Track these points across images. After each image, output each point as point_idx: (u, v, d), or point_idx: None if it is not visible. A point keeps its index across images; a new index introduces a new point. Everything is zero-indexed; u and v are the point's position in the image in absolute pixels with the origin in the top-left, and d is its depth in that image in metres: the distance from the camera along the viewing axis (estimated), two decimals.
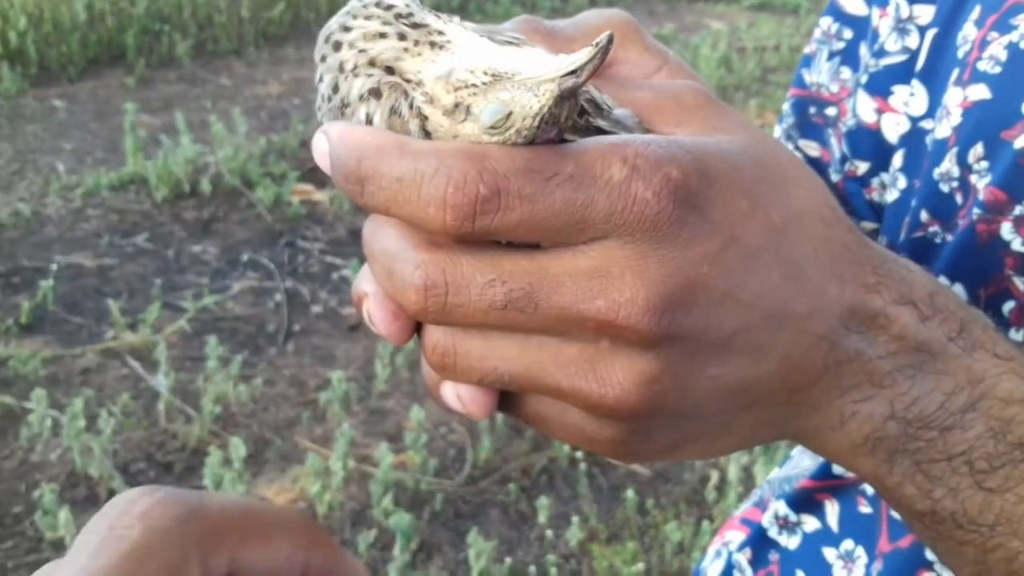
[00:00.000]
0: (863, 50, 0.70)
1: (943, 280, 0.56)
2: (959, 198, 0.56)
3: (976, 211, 0.54)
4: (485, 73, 0.33)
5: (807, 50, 0.75)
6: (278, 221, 3.82)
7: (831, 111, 0.73)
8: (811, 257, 0.37)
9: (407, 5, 0.36)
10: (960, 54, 0.59)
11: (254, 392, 2.82)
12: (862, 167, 0.70)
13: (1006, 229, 0.53)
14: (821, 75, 0.73)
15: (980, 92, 0.55)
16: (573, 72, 0.31)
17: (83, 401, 2.59)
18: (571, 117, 0.33)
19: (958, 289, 0.56)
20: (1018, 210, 0.53)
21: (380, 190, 0.34)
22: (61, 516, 2.25)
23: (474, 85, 0.33)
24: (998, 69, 0.55)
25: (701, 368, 0.36)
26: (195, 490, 0.30)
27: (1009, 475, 0.39)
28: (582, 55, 0.31)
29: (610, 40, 0.31)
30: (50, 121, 4.75)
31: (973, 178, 0.55)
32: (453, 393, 0.39)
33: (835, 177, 0.73)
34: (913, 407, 0.39)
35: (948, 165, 0.57)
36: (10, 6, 5.27)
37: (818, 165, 0.75)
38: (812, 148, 0.75)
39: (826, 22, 0.73)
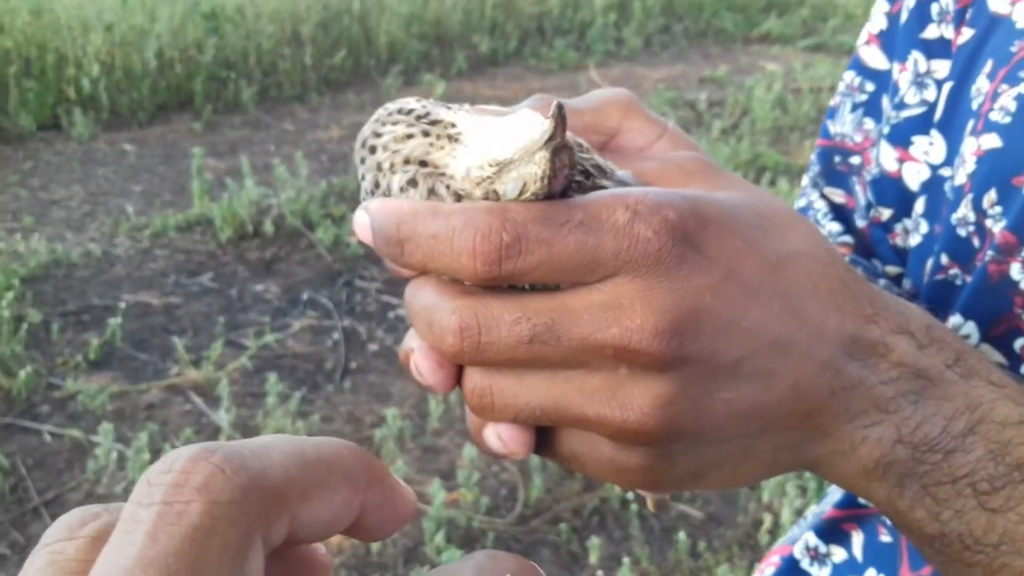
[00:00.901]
0: (885, 102, 0.74)
1: (958, 319, 0.60)
2: (976, 242, 0.60)
3: (990, 253, 0.58)
4: (491, 165, 0.39)
5: (832, 102, 0.80)
6: (337, 261, 3.92)
7: (855, 160, 0.77)
8: (809, 291, 0.41)
9: (423, 106, 0.42)
10: (974, 105, 0.62)
11: (311, 428, 2.88)
12: (886, 213, 0.73)
13: (1015, 270, 0.56)
14: (845, 126, 0.77)
15: (992, 141, 0.59)
16: (551, 137, 0.36)
17: (148, 435, 2.67)
18: (571, 165, 0.38)
19: (971, 327, 0.59)
20: None
21: (418, 248, 0.39)
22: None
23: (488, 177, 0.39)
24: (1008, 119, 0.58)
25: (714, 391, 0.39)
26: (251, 444, 0.27)
27: (1010, 495, 0.42)
28: (548, 122, 0.37)
29: (560, 107, 0.36)
30: (121, 164, 4.94)
31: (988, 222, 0.58)
32: (494, 435, 0.42)
33: (861, 223, 0.77)
34: (918, 431, 0.41)
35: (965, 211, 0.60)
36: (83, 54, 5.51)
37: (843, 211, 0.78)
38: (838, 195, 0.79)
39: (849, 75, 0.77)
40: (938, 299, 0.63)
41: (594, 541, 2.48)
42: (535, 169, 0.37)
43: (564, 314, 0.38)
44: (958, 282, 0.61)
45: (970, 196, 0.60)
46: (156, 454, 2.65)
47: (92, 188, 4.62)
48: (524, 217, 0.38)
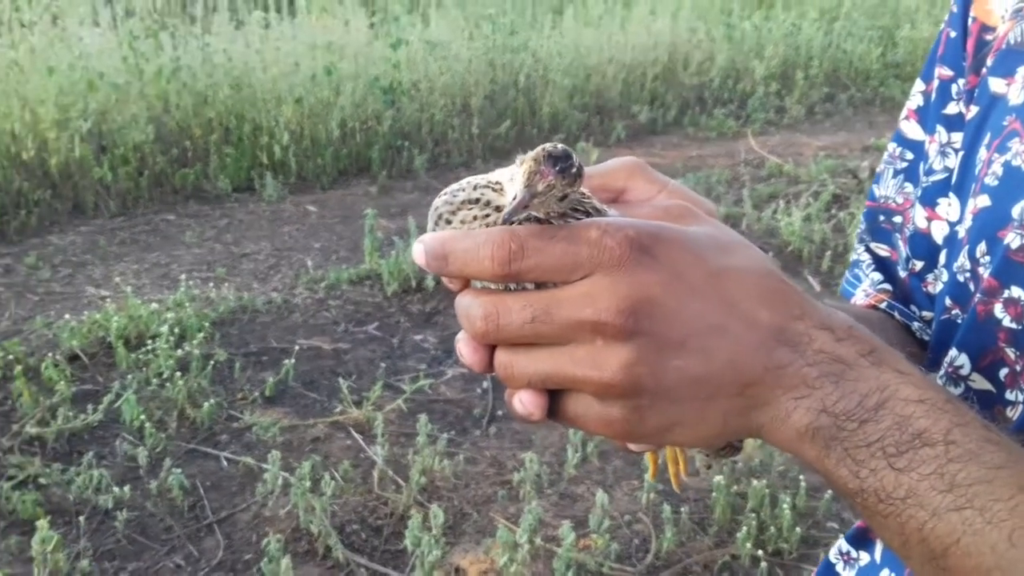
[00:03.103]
0: (921, 169, 0.86)
1: (955, 352, 0.70)
2: (971, 286, 0.71)
3: (978, 296, 0.68)
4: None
5: (878, 169, 0.92)
6: None
7: (897, 219, 0.89)
8: (744, 293, 0.55)
9: (474, 188, 0.58)
10: (977, 171, 0.74)
11: (456, 468, 3.07)
12: (919, 265, 0.85)
13: (998, 309, 0.67)
14: (888, 189, 0.89)
15: (984, 201, 0.70)
16: (517, 204, 0.53)
17: (310, 466, 2.92)
18: (547, 207, 0.54)
19: (964, 359, 0.69)
20: (1006, 294, 0.67)
21: (456, 259, 0.55)
22: (283, 564, 2.54)
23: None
24: (996, 182, 0.69)
25: (666, 360, 0.53)
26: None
27: (912, 458, 0.51)
28: (512, 203, 0.54)
29: (543, 152, 0.53)
30: (304, 223, 5.41)
31: (980, 270, 0.69)
32: (518, 400, 0.58)
33: (902, 274, 0.88)
34: (838, 404, 0.53)
35: (963, 260, 0.71)
36: (276, 124, 6.07)
37: (886, 263, 0.90)
38: (882, 249, 0.91)
39: (892, 146, 0.90)
40: (943, 336, 0.74)
41: None
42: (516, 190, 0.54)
43: (555, 302, 0.53)
44: (958, 321, 0.72)
45: (967, 248, 0.71)
46: (316, 483, 2.90)
47: (278, 244, 5.09)
48: (526, 233, 0.53)
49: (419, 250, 0.57)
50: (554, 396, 0.57)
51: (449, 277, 0.57)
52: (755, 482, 2.91)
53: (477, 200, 0.58)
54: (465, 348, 0.58)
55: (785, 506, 2.79)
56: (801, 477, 2.99)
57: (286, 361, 3.65)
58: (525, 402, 0.57)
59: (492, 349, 0.57)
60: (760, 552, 2.70)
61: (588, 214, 0.57)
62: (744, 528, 2.73)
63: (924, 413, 0.53)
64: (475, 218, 0.57)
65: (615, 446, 0.61)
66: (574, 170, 0.53)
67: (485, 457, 3.23)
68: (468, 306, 0.56)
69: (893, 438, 0.52)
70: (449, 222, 0.58)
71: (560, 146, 0.54)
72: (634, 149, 6.74)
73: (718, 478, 2.89)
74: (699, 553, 2.79)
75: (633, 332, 0.52)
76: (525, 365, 0.56)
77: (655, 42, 7.75)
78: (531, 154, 0.54)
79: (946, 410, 0.53)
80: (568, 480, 3.07)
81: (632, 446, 0.62)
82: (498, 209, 0.57)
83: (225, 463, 3.16)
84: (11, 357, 3.59)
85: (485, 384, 3.67)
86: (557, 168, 0.53)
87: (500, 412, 3.50)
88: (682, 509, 2.89)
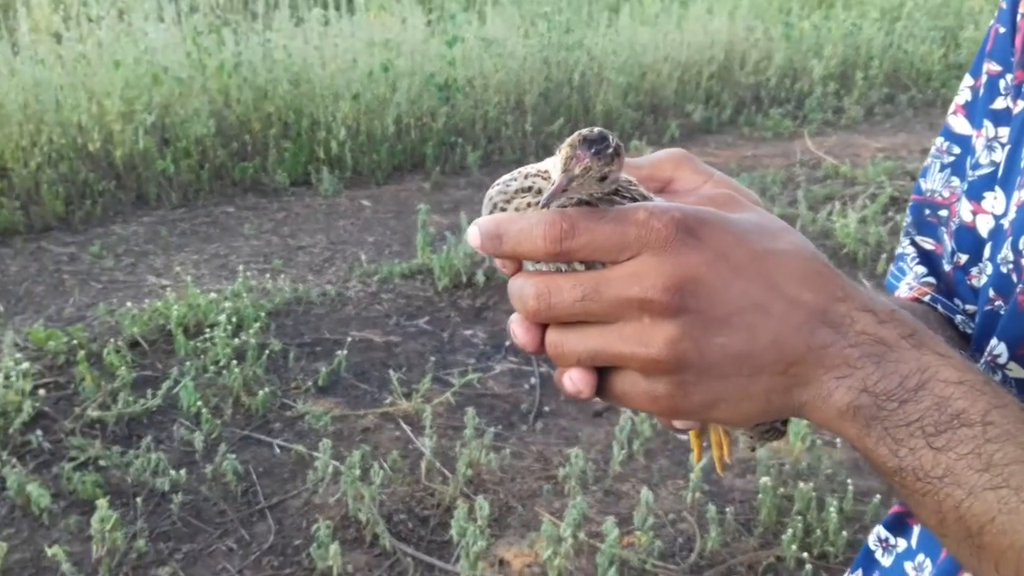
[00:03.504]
0: (968, 163, 0.86)
1: (995, 341, 0.71)
2: (1015, 278, 0.71)
3: (1020, 286, 0.69)
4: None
5: (925, 163, 0.92)
6: None
7: (943, 212, 0.89)
8: (788, 276, 0.56)
9: (526, 177, 0.61)
10: (1022, 165, 0.74)
11: (503, 462, 3.10)
12: (963, 258, 0.85)
13: None
14: (935, 183, 0.90)
15: None
16: (556, 188, 0.56)
17: (360, 455, 2.98)
18: (587, 188, 0.56)
19: (1003, 348, 0.70)
20: None
21: (510, 238, 0.57)
22: (331, 550, 2.60)
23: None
24: None
25: (710, 336, 0.55)
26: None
27: (950, 438, 0.53)
28: (551, 187, 0.56)
29: (580, 137, 0.56)
30: (358, 218, 5.49)
31: (1023, 261, 0.70)
32: (568, 378, 0.60)
33: (947, 267, 0.88)
34: (879, 384, 0.54)
35: (1006, 251, 0.72)
36: (333, 119, 6.16)
37: (931, 257, 0.91)
38: (928, 243, 0.91)
39: (939, 140, 0.90)
40: (987, 326, 0.75)
41: None
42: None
43: (604, 281, 0.55)
44: (1001, 312, 0.73)
45: (1010, 239, 0.72)
46: (365, 472, 2.96)
47: (333, 237, 5.17)
48: (577, 214, 0.56)
49: (474, 232, 0.60)
50: (602, 375, 0.60)
51: (503, 257, 0.60)
52: (802, 485, 2.89)
53: (529, 188, 0.60)
54: (518, 328, 0.60)
55: (832, 509, 2.78)
56: (849, 481, 2.97)
57: (338, 352, 3.72)
58: (575, 379, 0.59)
59: (543, 329, 0.60)
60: (805, 555, 2.68)
61: (635, 200, 0.59)
62: (790, 530, 2.72)
63: (963, 394, 0.54)
64: (528, 205, 0.59)
65: (662, 424, 0.63)
66: (610, 151, 0.55)
67: (531, 452, 3.26)
68: (521, 287, 0.59)
69: (932, 418, 0.54)
70: (503, 210, 0.61)
71: (596, 129, 0.56)
72: (688, 148, 6.60)
73: (764, 479, 2.88)
74: (743, 554, 2.79)
75: (678, 309, 0.54)
76: (575, 343, 0.58)
77: (711, 40, 7.70)
78: (568, 140, 0.56)
79: (984, 392, 0.54)
80: (613, 477, 3.09)
81: (677, 423, 0.64)
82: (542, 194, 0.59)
83: (278, 450, 3.24)
84: (75, 342, 3.72)
85: (533, 380, 3.70)
86: (593, 151, 0.55)
87: (547, 408, 3.53)
88: (727, 510, 2.89)
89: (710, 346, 0.55)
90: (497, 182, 0.62)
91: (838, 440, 3.32)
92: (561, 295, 0.57)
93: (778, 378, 0.56)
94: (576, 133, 0.56)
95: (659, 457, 3.24)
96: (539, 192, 0.60)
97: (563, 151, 0.56)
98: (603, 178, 0.56)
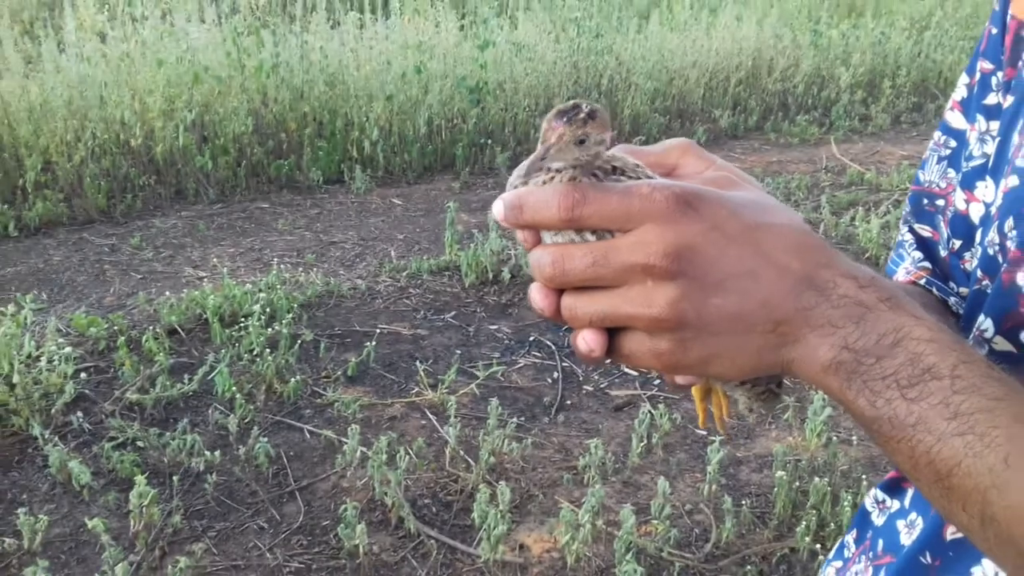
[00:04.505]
0: (963, 155, 0.92)
1: (982, 318, 0.78)
2: (1000, 259, 0.77)
3: (1004, 265, 0.75)
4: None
5: (924, 156, 0.99)
6: None
7: (940, 202, 0.95)
8: (778, 245, 0.63)
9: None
10: (1010, 155, 0.81)
11: (524, 452, 3.19)
12: (957, 244, 0.91)
13: (1020, 277, 0.74)
14: (933, 175, 0.96)
15: (1013, 181, 0.77)
16: (533, 159, 0.64)
17: (387, 441, 3.07)
18: (567, 154, 0.64)
19: (989, 323, 0.77)
20: None
21: (529, 207, 0.64)
22: (358, 530, 2.69)
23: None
24: None
25: (707, 297, 0.61)
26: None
27: (922, 390, 0.58)
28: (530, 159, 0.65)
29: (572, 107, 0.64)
30: (389, 215, 5.61)
31: (1008, 243, 0.76)
32: (582, 339, 0.67)
33: (943, 253, 0.95)
34: (859, 342, 0.60)
35: (992, 235, 0.78)
36: (367, 120, 6.28)
37: (928, 243, 0.98)
38: (925, 230, 0.98)
39: (937, 135, 0.97)
40: (975, 304, 0.81)
41: None
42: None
43: (612, 248, 0.62)
44: (987, 290, 0.79)
45: (996, 223, 0.78)
46: (392, 458, 3.06)
47: (364, 234, 5.29)
48: (588, 187, 0.64)
49: (498, 205, 0.67)
50: (612, 337, 0.66)
51: (523, 227, 0.67)
52: (817, 480, 2.96)
53: (540, 168, 0.69)
54: (537, 294, 0.67)
55: (846, 504, 2.84)
56: (864, 477, 3.03)
57: (368, 344, 3.83)
58: (588, 340, 0.66)
59: (559, 295, 0.66)
60: (818, 547, 2.75)
61: (639, 178, 0.67)
62: (804, 523, 2.79)
63: (934, 351, 0.59)
64: (543, 182, 0.67)
65: (666, 381, 0.70)
66: (581, 115, 0.62)
67: (552, 443, 3.34)
68: (539, 256, 0.66)
69: (906, 372, 0.59)
70: (526, 183, 0.68)
71: (571, 101, 0.63)
72: (714, 152, 6.71)
73: (780, 474, 2.95)
74: (758, 545, 2.86)
75: (677, 273, 0.61)
76: (587, 305, 0.64)
77: (740, 47, 7.75)
78: (546, 117, 0.64)
79: (954, 349, 0.60)
80: (632, 469, 3.17)
81: (679, 379, 0.71)
82: (559, 172, 0.67)
83: (308, 435, 3.35)
84: (115, 329, 3.86)
85: (556, 374, 3.79)
86: (565, 119, 0.62)
87: (569, 401, 3.62)
88: (743, 502, 2.96)
89: (707, 306, 0.61)
90: (516, 169, 0.71)
91: (854, 437, 3.39)
92: (574, 262, 0.63)
93: (768, 336, 0.62)
94: (553, 109, 0.64)
95: (678, 451, 3.32)
96: (549, 169, 0.67)
97: (542, 128, 0.64)
98: (581, 142, 0.63)
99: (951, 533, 0.78)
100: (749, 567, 2.74)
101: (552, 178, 0.67)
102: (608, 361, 0.69)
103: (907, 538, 0.86)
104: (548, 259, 0.65)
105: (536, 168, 0.64)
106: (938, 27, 8.87)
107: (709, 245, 0.61)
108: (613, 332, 0.66)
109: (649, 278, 0.61)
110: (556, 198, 0.64)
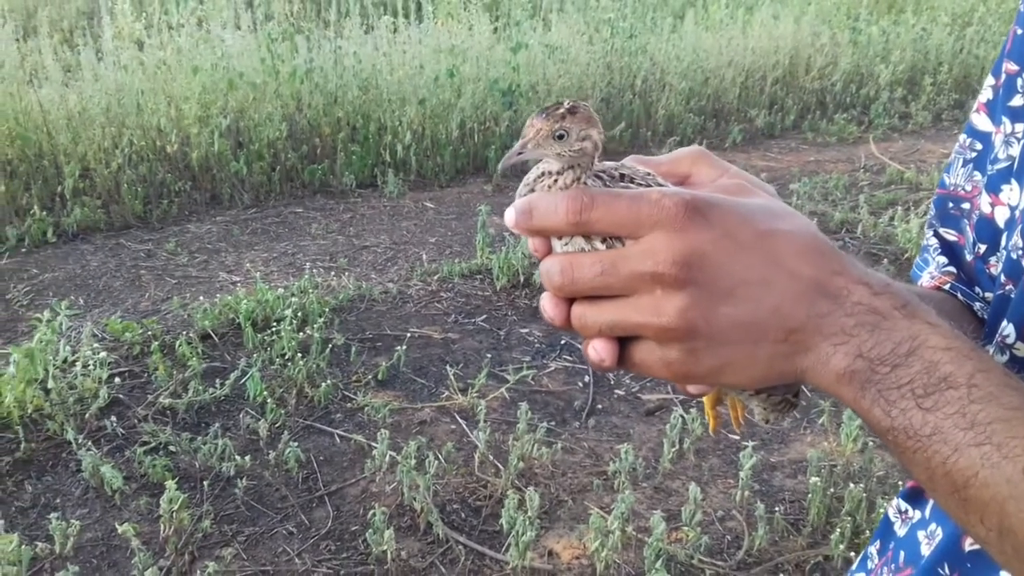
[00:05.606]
0: (989, 158, 0.90)
1: (1005, 323, 0.75)
2: (1023, 263, 0.75)
3: None
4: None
5: (949, 159, 0.96)
6: None
7: (965, 205, 0.93)
8: (789, 252, 0.62)
9: (543, 164, 0.68)
10: None
11: (554, 457, 3.17)
12: (983, 248, 0.89)
13: None
14: (958, 178, 0.94)
15: None
16: (510, 154, 0.63)
17: (416, 446, 3.07)
18: (545, 148, 0.64)
19: (1011, 329, 0.74)
20: None
21: (538, 213, 0.64)
22: (386, 536, 2.69)
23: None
24: None
25: (717, 306, 0.60)
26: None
27: (938, 399, 0.57)
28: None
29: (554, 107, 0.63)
30: (421, 219, 5.61)
31: None
32: (592, 348, 0.66)
33: (968, 257, 0.92)
34: (873, 350, 0.59)
35: (1016, 239, 0.77)
36: (399, 124, 6.30)
37: (953, 247, 0.95)
38: (951, 234, 0.96)
39: (963, 137, 0.94)
40: (999, 310, 0.79)
41: None
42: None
43: (620, 257, 0.61)
44: (1011, 296, 0.77)
45: (1020, 227, 0.76)
46: (421, 463, 3.05)
47: (396, 238, 5.31)
48: (596, 191, 0.63)
49: (510, 213, 0.66)
50: (622, 345, 0.65)
51: (533, 232, 0.66)
52: (852, 486, 2.90)
53: (543, 174, 0.68)
54: (547, 303, 0.66)
55: (882, 511, 2.78)
56: (900, 483, 2.96)
57: (398, 348, 3.83)
58: (598, 349, 0.65)
59: (570, 304, 0.65)
60: (852, 554, 2.69)
61: (648, 186, 0.66)
62: (838, 530, 2.73)
63: (950, 359, 0.58)
64: (548, 187, 0.66)
65: (679, 389, 0.69)
66: (560, 111, 0.62)
67: (582, 448, 3.31)
68: (549, 265, 0.65)
69: (922, 381, 0.58)
70: (533, 191, 0.68)
71: (556, 100, 0.63)
72: (750, 153, 6.69)
73: (814, 479, 2.90)
74: (791, 552, 2.80)
75: (687, 282, 0.60)
76: (596, 314, 0.64)
77: (776, 46, 7.65)
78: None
79: (971, 357, 0.58)
80: (663, 474, 3.13)
81: (691, 388, 0.69)
82: (560, 174, 0.66)
83: (338, 440, 3.35)
84: (149, 334, 3.90)
85: (587, 378, 3.76)
86: (543, 115, 0.62)
87: (600, 406, 3.58)
88: (776, 509, 2.91)
89: (717, 315, 0.60)
90: (524, 178, 0.70)
91: None
92: (583, 270, 0.63)
93: (780, 345, 0.61)
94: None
95: (710, 456, 3.27)
96: (551, 173, 0.67)
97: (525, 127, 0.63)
98: (560, 136, 0.63)
99: (969, 544, 0.76)
100: (782, 575, 2.69)
101: (555, 181, 0.66)
102: (620, 370, 0.68)
103: (926, 549, 0.83)
104: (557, 268, 0.64)
105: (509, 160, 0.65)
106: (980, 22, 8.69)
107: (719, 253, 0.60)
108: (624, 341, 0.65)
109: (658, 287, 0.61)
110: (564, 202, 0.63)
